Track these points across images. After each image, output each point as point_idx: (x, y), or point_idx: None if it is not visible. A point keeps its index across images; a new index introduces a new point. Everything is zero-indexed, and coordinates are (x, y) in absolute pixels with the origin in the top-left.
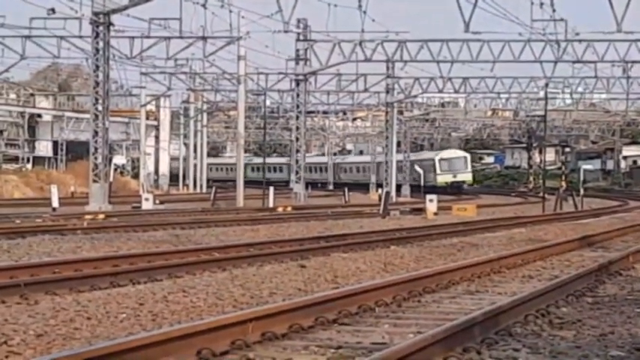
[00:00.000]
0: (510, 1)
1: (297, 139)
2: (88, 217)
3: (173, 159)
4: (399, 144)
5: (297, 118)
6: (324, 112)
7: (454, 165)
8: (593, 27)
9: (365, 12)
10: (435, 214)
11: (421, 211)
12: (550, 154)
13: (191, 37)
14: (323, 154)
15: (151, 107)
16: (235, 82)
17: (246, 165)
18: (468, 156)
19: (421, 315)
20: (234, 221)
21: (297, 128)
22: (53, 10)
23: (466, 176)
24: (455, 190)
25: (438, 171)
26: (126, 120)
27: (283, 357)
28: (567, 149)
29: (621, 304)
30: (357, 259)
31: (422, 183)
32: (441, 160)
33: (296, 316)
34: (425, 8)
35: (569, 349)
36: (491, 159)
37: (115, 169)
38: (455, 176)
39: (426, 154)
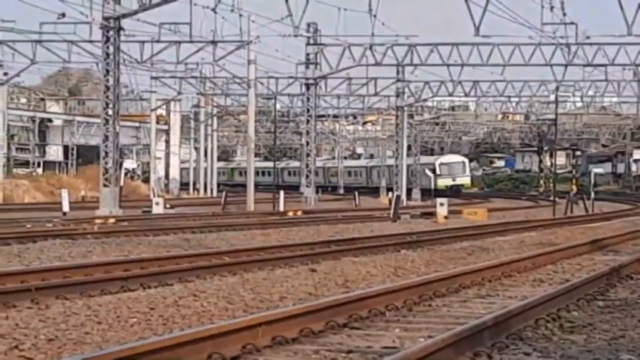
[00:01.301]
0: (520, 5)
1: (308, 143)
2: (98, 221)
3: (183, 162)
4: (409, 147)
5: (308, 122)
6: (335, 116)
7: (453, 169)
8: (603, 30)
9: (375, 16)
10: (446, 217)
11: (432, 215)
12: (561, 158)
13: (201, 41)
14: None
15: (162, 111)
16: (245, 87)
17: (233, 169)
18: (467, 160)
19: (432, 319)
20: (245, 225)
21: (308, 132)
22: (63, 15)
23: (464, 180)
24: (454, 193)
25: (434, 175)
26: (136, 124)
27: None
28: (578, 153)
29: (632, 307)
30: (367, 263)
31: (432, 187)
32: (441, 164)
33: (306, 321)
34: (433, 11)
35: (579, 353)
36: (501, 162)
37: (126, 174)
38: (454, 180)
39: (426, 159)
